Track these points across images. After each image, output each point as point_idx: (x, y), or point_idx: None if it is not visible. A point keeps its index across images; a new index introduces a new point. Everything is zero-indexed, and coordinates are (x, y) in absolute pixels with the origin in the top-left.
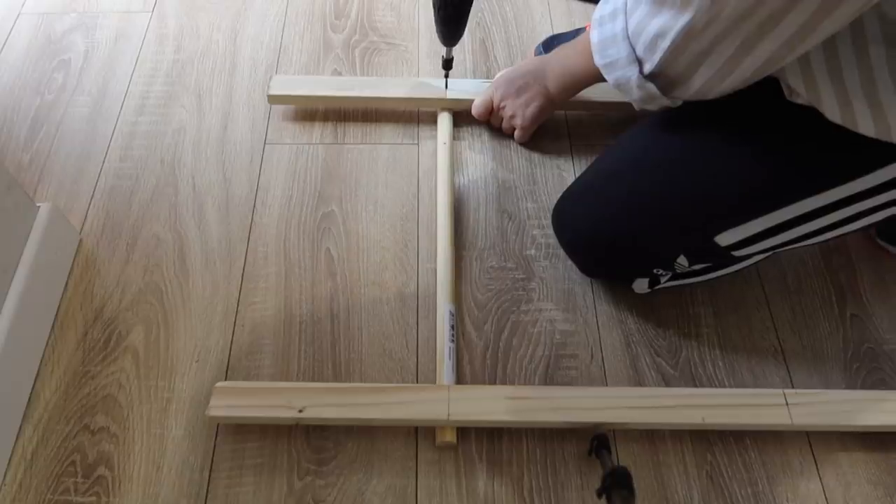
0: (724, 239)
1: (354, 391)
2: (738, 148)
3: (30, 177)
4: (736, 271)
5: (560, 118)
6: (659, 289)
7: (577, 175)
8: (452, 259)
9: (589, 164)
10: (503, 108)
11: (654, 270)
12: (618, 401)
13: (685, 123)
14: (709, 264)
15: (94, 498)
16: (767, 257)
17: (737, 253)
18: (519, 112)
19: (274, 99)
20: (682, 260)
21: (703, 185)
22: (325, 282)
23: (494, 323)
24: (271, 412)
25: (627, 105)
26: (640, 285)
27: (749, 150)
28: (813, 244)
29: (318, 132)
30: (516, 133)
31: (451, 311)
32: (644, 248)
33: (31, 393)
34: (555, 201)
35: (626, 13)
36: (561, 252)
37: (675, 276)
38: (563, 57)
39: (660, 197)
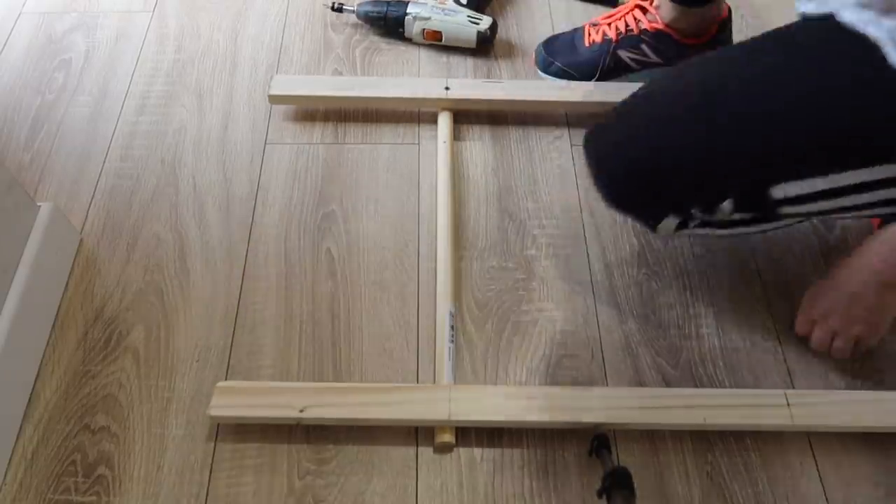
0: (780, 192)
1: (355, 391)
2: (830, 98)
3: (30, 176)
4: (762, 231)
5: (560, 118)
6: (685, 233)
7: (577, 174)
8: (452, 259)
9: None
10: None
11: (692, 209)
12: (618, 401)
13: (778, 62)
14: (750, 216)
15: (94, 497)
16: (799, 222)
17: (784, 210)
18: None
19: (274, 99)
20: (727, 205)
21: (783, 126)
22: (325, 282)
23: (495, 323)
24: (272, 412)
25: None
26: (668, 225)
27: (843, 104)
28: (859, 217)
29: (319, 132)
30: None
31: (451, 311)
32: (695, 180)
33: (31, 393)
34: (555, 201)
35: None
36: (561, 252)
37: (703, 224)
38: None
39: (734, 128)
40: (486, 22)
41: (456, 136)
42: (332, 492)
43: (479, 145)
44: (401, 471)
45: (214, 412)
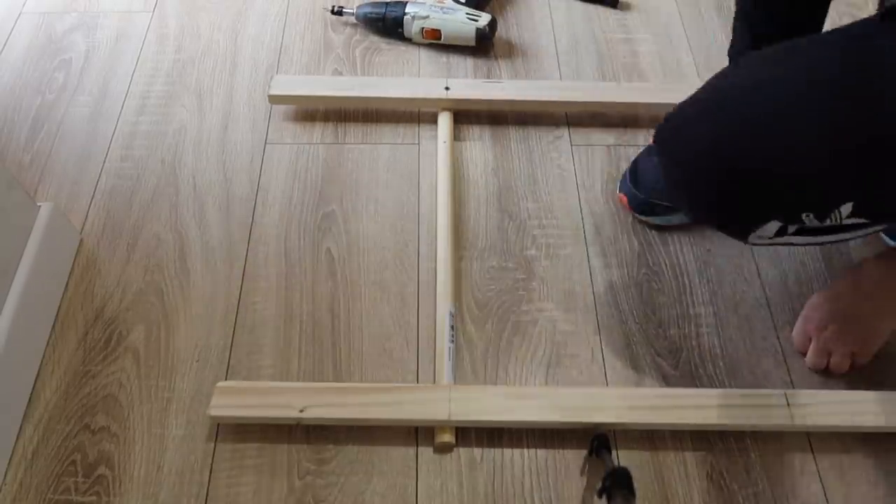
0: None
1: (355, 391)
2: None
3: (30, 176)
4: (861, 237)
5: (560, 118)
6: (779, 241)
7: (577, 174)
8: (452, 259)
9: (593, 161)
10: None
11: (804, 214)
12: (618, 401)
13: None
14: (863, 221)
15: (94, 497)
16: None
17: None
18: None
19: (275, 99)
20: (845, 208)
21: None
22: (325, 282)
23: (495, 323)
24: (272, 412)
25: (627, 105)
26: (767, 231)
27: None
28: None
29: (319, 132)
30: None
31: (451, 311)
32: (822, 181)
33: (31, 393)
34: (555, 201)
35: None
36: (561, 252)
37: (802, 230)
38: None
39: (871, 116)
40: (484, 19)
41: (456, 137)
42: (332, 492)
43: (479, 145)
44: (401, 471)
45: (214, 412)
